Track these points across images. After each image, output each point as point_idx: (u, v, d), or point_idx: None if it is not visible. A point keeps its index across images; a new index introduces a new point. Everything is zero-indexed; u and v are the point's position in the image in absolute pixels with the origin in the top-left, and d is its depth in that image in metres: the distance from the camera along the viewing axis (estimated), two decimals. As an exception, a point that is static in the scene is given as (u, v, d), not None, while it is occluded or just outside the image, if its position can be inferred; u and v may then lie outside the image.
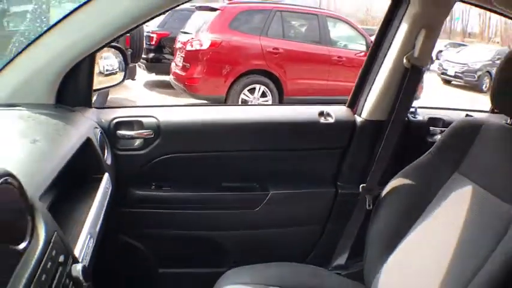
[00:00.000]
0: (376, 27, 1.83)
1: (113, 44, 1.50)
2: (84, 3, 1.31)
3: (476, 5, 1.67)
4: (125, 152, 1.59)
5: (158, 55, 8.48)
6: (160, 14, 1.43)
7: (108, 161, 1.42)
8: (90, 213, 1.06)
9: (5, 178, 0.66)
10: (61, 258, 0.76)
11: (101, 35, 1.33)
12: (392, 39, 1.69)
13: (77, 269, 0.79)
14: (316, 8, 8.56)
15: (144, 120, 1.61)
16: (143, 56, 8.43)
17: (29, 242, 0.69)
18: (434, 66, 15.95)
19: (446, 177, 1.40)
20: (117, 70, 1.86)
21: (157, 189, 1.68)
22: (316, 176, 1.80)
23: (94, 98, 1.57)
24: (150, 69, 8.56)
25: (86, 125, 1.34)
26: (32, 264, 0.66)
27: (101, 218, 1.14)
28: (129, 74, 6.89)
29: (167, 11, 1.45)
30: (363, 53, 7.05)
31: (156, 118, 1.61)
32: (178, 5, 1.44)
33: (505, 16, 1.79)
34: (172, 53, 7.67)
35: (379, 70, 1.73)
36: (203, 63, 6.46)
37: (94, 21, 1.31)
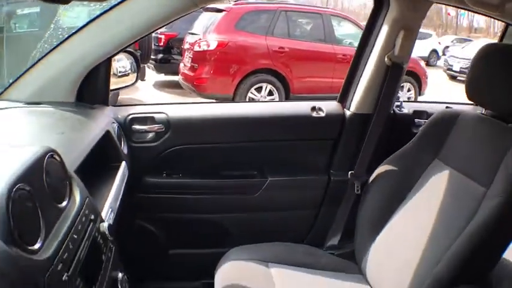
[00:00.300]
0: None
1: (128, 49, 1.71)
2: (102, 13, 1.51)
3: (451, 5, 1.83)
4: (139, 144, 1.78)
5: (167, 56, 8.65)
6: (169, 23, 1.64)
7: (125, 151, 1.62)
8: (111, 192, 1.27)
9: (51, 153, 0.86)
10: (92, 216, 0.96)
11: (117, 41, 1.53)
12: (375, 40, 1.86)
13: (104, 225, 1.00)
14: (320, 7, 8.69)
15: (155, 116, 1.80)
16: (152, 56, 8.63)
17: (68, 202, 0.90)
18: (440, 62, 15.89)
19: (427, 163, 1.56)
20: (129, 72, 2.08)
21: (168, 177, 1.86)
22: (310, 164, 1.97)
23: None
24: (159, 69, 8.76)
25: (104, 120, 1.53)
26: (71, 218, 0.86)
27: (119, 198, 1.33)
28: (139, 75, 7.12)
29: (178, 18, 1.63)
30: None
31: (166, 114, 1.81)
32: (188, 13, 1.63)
33: (481, 14, 1.94)
34: (181, 54, 7.85)
35: (365, 68, 1.90)
36: (211, 63, 6.65)
37: (111, 29, 1.51)
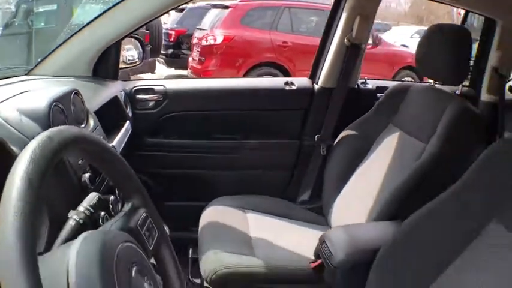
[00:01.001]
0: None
1: (134, 35, 2.10)
2: (110, 7, 1.88)
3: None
4: (142, 111, 2.17)
5: (177, 51, 8.98)
6: (163, 14, 1.99)
7: (130, 115, 2.01)
8: (117, 137, 1.66)
9: (75, 91, 1.28)
10: (101, 137, 1.35)
11: (123, 28, 1.90)
12: (337, 25, 2.20)
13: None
14: (322, 4, 8.97)
15: (155, 87, 2.19)
16: (163, 51, 9.01)
17: (85, 125, 1.31)
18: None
19: (382, 128, 1.88)
20: (137, 61, 2.51)
21: (165, 137, 2.24)
22: (285, 130, 2.31)
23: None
24: (169, 64, 9.10)
25: (114, 89, 1.91)
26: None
27: (122, 146, 1.71)
28: (149, 67, 7.50)
29: (171, 10, 2.00)
30: (369, 45, 7.46)
31: (164, 86, 2.20)
32: (181, 5, 2.00)
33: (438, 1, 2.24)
34: (190, 49, 8.21)
35: (329, 48, 2.24)
36: (217, 56, 7.02)
37: (118, 18, 1.88)
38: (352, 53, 2.18)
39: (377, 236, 1.36)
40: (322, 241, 1.41)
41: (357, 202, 1.76)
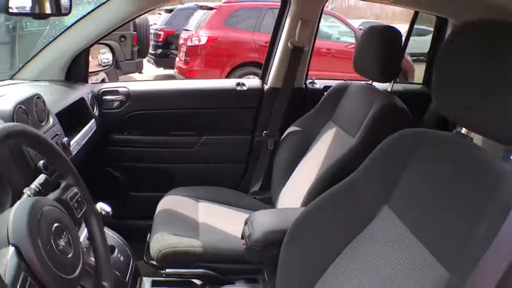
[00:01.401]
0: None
1: (104, 42, 2.41)
2: (81, 18, 2.15)
3: None
4: (108, 110, 2.36)
5: (166, 51, 9.16)
6: (130, 21, 2.24)
7: (96, 114, 2.22)
8: (80, 134, 1.91)
9: (38, 96, 1.56)
10: (58, 133, 1.61)
11: (91, 37, 2.17)
12: (283, 30, 2.38)
13: (65, 139, 1.64)
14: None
15: (119, 89, 2.38)
16: (152, 51, 9.18)
17: (46, 123, 1.57)
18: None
19: (323, 124, 2.04)
20: (111, 63, 2.74)
21: (128, 134, 2.42)
22: (238, 127, 2.48)
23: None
24: (158, 64, 9.28)
25: (82, 91, 2.15)
26: (49, 132, 1.51)
27: (85, 140, 1.94)
28: (137, 68, 7.66)
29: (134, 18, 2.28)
30: (352, 45, 7.63)
31: (127, 88, 2.39)
32: (143, 13, 2.27)
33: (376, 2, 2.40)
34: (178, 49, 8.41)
35: (276, 51, 2.43)
36: (201, 57, 7.20)
37: (87, 28, 2.15)
38: (295, 55, 2.35)
39: (290, 219, 1.46)
40: (245, 223, 1.57)
41: (297, 192, 1.90)
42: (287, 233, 1.34)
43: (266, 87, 2.47)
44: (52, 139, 1.53)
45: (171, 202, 2.04)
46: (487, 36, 0.94)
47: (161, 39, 9.20)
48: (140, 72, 7.87)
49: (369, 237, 1.16)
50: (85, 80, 2.27)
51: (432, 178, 1.06)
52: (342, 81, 2.20)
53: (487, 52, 0.92)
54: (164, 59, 9.17)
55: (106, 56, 2.74)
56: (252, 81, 2.51)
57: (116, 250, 1.56)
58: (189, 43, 7.34)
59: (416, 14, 2.69)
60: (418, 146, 1.12)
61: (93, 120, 2.12)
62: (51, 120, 1.62)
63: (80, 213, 1.13)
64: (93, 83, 2.43)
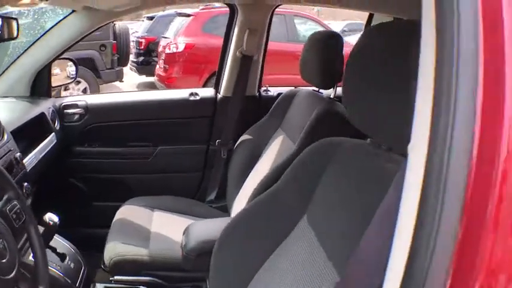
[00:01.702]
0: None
1: (66, 57, 2.44)
2: (42, 34, 2.23)
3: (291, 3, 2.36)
4: (69, 124, 2.40)
5: (147, 58, 9.17)
6: (84, 37, 2.27)
7: (57, 127, 2.27)
8: (38, 147, 1.96)
9: None
10: (12, 148, 1.65)
11: (52, 52, 2.22)
12: (232, 39, 2.40)
13: (18, 154, 1.67)
14: (283, 9, 9.12)
15: (78, 103, 2.43)
16: (134, 59, 9.21)
17: (1, 138, 1.60)
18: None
19: (273, 132, 2.07)
20: (74, 76, 2.78)
21: (89, 146, 2.46)
22: (193, 137, 2.51)
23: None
24: (140, 71, 9.30)
25: (44, 106, 2.20)
26: (2, 148, 1.54)
27: (44, 153, 1.99)
28: (117, 76, 7.68)
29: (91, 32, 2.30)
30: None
31: (85, 101, 2.43)
32: (98, 28, 2.30)
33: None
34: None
35: (227, 60, 2.45)
36: (180, 64, 7.23)
37: (47, 45, 2.21)
38: (244, 64, 2.38)
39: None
40: (183, 232, 1.60)
41: (248, 200, 1.89)
42: (216, 241, 1.35)
43: (219, 96, 2.49)
44: (5, 155, 1.57)
45: (127, 212, 2.07)
46: (387, 39, 0.91)
47: (143, 47, 9.22)
48: (121, 81, 7.90)
49: (288, 249, 1.19)
50: (48, 95, 2.33)
51: (341, 189, 1.07)
52: (293, 88, 2.22)
53: (385, 57, 0.89)
54: (146, 66, 9.18)
55: (73, 68, 2.77)
56: (205, 91, 2.54)
57: (67, 258, 1.62)
58: (167, 50, 7.36)
59: (371, 16, 2.70)
60: (332, 156, 1.13)
61: (53, 134, 2.16)
62: (5, 136, 1.65)
63: (18, 223, 1.28)
64: (56, 97, 2.49)
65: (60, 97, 2.63)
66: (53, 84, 2.40)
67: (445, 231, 0.50)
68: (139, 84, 9.57)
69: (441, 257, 0.51)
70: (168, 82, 7.26)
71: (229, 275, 1.31)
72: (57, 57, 2.26)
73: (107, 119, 2.44)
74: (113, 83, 7.84)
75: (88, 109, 2.40)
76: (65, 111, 2.39)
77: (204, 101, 2.49)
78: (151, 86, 8.66)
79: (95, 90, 7.20)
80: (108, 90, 7.43)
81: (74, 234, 1.80)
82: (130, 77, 9.58)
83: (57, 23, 2.23)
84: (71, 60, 2.62)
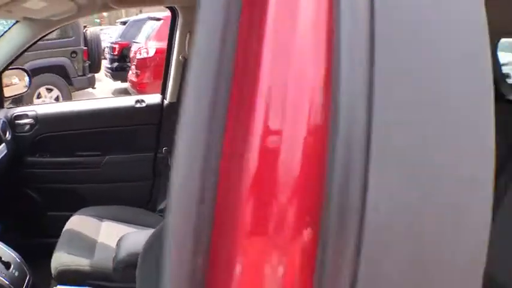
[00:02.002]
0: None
1: (17, 66, 2.45)
2: None
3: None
4: (20, 134, 2.36)
5: (122, 64, 9.04)
6: (28, 48, 2.21)
7: (8, 138, 2.22)
8: None
9: None
10: None
11: (0, 64, 2.17)
12: (175, 43, 2.34)
13: None
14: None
15: (28, 113, 2.39)
16: (108, 65, 9.11)
17: None
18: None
19: None
20: (28, 85, 2.70)
21: (40, 156, 2.41)
22: (140, 145, 2.46)
23: None
24: (115, 77, 9.18)
25: None
26: None
27: None
28: (89, 83, 7.57)
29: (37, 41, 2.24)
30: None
31: (35, 111, 2.38)
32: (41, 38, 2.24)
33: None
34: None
35: (171, 66, 2.39)
36: (151, 69, 7.12)
37: None
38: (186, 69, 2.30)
39: None
40: (116, 244, 1.55)
41: None
42: (139, 255, 1.29)
43: (166, 102, 2.43)
44: None
45: (76, 222, 2.05)
46: None
47: (116, 53, 9.10)
48: (93, 88, 7.79)
49: None
50: (1, 105, 2.31)
51: None
52: None
53: None
54: (121, 72, 9.05)
55: (27, 78, 2.70)
56: (152, 97, 2.47)
57: (12, 266, 1.63)
58: (138, 55, 7.27)
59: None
60: None
61: (4, 144, 2.13)
62: None
63: None
64: (9, 108, 2.46)
65: (12, 107, 2.54)
66: (6, 95, 2.36)
67: None
68: (115, 91, 9.45)
69: None
70: (139, 88, 7.16)
71: (153, 286, 1.26)
72: (6, 68, 2.22)
73: (56, 128, 2.40)
74: (85, 90, 7.73)
75: (38, 119, 2.37)
76: (16, 121, 2.35)
77: (150, 107, 2.43)
78: (126, 92, 8.56)
79: (67, 97, 7.11)
80: (81, 97, 7.32)
81: (26, 244, 1.85)
82: (106, 83, 9.47)
83: (2, 35, 2.21)
84: (23, 69, 2.57)
